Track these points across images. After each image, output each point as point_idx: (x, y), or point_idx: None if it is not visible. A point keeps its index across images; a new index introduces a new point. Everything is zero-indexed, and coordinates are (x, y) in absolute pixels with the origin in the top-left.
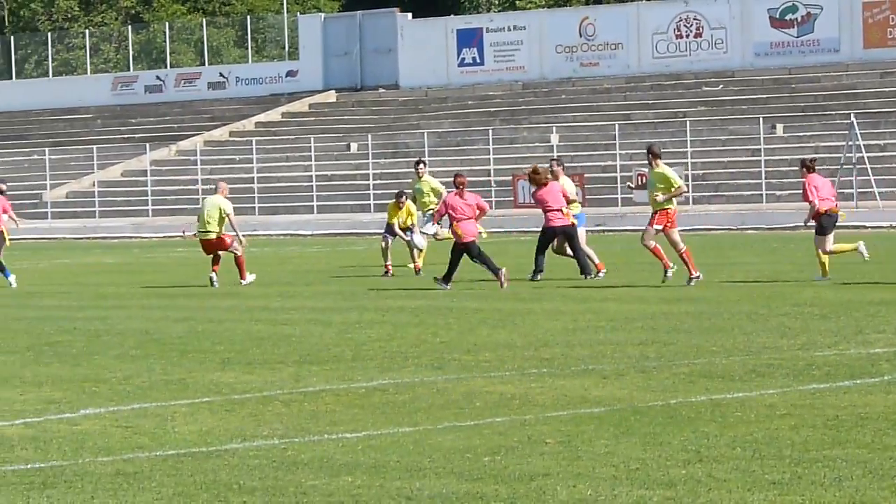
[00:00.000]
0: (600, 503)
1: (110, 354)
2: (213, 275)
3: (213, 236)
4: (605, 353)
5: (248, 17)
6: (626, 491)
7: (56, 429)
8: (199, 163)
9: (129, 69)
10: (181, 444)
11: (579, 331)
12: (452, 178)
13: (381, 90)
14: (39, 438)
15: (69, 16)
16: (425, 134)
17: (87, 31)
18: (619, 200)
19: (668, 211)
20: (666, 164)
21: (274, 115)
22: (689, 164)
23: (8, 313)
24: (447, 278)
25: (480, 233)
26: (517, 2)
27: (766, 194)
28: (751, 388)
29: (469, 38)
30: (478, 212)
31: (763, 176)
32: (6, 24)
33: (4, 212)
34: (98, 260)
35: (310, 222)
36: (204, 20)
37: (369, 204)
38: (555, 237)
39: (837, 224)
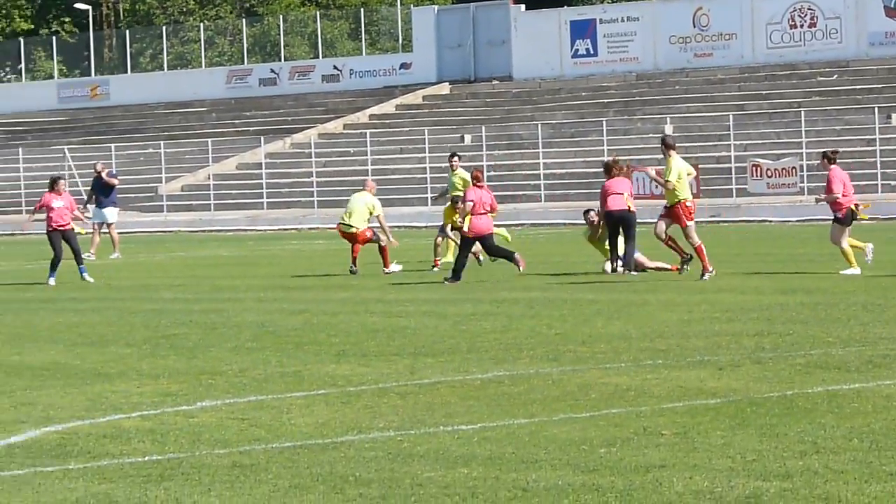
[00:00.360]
0: (717, 495)
1: (226, 347)
2: (353, 266)
3: (354, 230)
4: (721, 343)
5: (362, 9)
6: (743, 482)
7: (173, 421)
8: (313, 155)
9: (243, 62)
10: (297, 436)
11: (694, 322)
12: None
13: (495, 82)
14: (156, 431)
15: (184, 10)
16: (539, 125)
17: (201, 24)
18: (735, 191)
19: (686, 203)
20: (680, 156)
21: (388, 107)
22: (804, 155)
23: (125, 306)
24: (457, 274)
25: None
26: None
27: (882, 184)
28: (868, 379)
29: (582, 30)
30: (489, 209)
31: (878, 166)
32: (122, 18)
33: (72, 209)
34: (213, 253)
35: (423, 214)
36: (318, 13)
37: None
38: (615, 223)
39: (857, 218)
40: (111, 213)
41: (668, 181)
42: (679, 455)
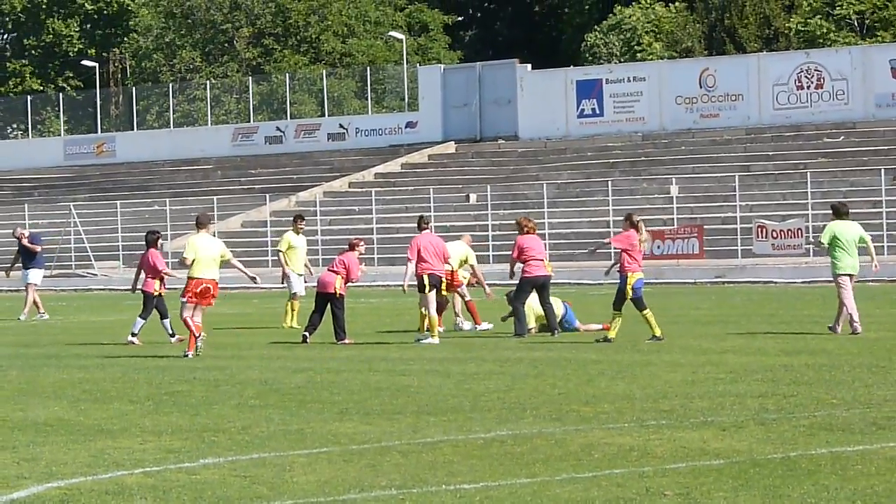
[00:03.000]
0: None
1: (229, 404)
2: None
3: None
4: (725, 404)
5: (369, 68)
6: None
7: (175, 478)
8: (318, 214)
9: (249, 120)
10: (299, 494)
11: (698, 382)
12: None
13: (501, 141)
14: (159, 488)
15: (191, 67)
16: (544, 185)
17: (208, 82)
18: (740, 252)
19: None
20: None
21: (393, 165)
22: (810, 216)
23: (129, 363)
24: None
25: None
26: (637, 53)
27: (888, 246)
28: (872, 441)
29: (589, 89)
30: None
31: (885, 228)
32: (128, 75)
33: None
34: (217, 310)
35: None
36: (324, 71)
37: (488, 255)
38: (533, 287)
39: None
40: (35, 275)
41: (185, 257)
42: None
